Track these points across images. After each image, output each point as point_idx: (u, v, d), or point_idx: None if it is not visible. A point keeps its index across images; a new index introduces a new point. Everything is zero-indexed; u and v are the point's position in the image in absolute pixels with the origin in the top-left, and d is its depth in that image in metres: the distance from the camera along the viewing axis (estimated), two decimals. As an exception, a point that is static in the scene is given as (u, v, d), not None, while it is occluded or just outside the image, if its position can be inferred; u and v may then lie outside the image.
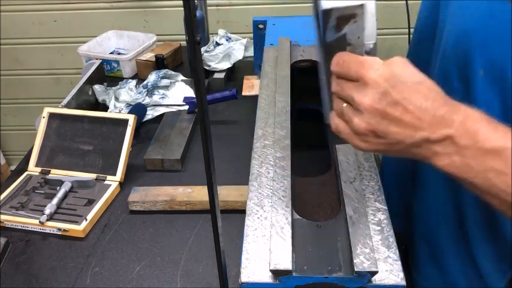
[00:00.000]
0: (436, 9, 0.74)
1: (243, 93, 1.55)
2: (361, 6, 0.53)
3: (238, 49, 1.63)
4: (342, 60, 0.53)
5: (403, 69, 0.51)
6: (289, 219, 0.72)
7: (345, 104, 0.53)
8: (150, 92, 1.45)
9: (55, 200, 1.06)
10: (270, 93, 1.07)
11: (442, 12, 0.71)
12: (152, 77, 1.49)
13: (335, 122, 0.55)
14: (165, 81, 1.50)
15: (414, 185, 0.84)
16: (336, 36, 0.54)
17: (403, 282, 0.64)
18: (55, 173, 1.17)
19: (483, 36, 0.61)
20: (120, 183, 1.14)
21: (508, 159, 0.48)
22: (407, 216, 0.88)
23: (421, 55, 0.78)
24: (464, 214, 0.74)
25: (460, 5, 0.66)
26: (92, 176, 1.14)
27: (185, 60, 1.82)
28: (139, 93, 1.44)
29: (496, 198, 0.50)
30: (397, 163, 0.93)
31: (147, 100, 1.43)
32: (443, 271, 0.79)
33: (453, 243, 0.77)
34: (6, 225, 1.04)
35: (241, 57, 1.63)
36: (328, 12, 0.52)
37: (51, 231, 1.02)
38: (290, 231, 0.70)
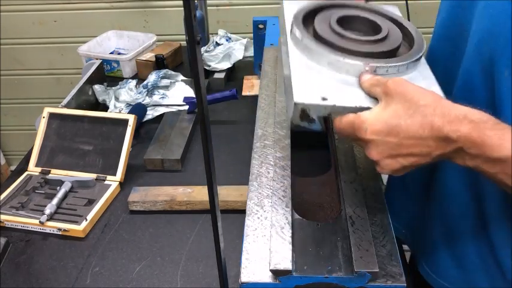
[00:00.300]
0: (458, 8, 0.73)
1: (243, 93, 1.55)
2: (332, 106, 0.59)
3: (238, 49, 1.63)
4: (338, 126, 0.60)
5: (395, 105, 0.56)
6: (289, 219, 0.72)
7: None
8: (150, 92, 1.45)
9: (55, 200, 1.06)
10: (270, 93, 1.07)
11: (467, 12, 0.70)
12: (152, 77, 1.49)
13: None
14: (165, 81, 1.50)
15: (429, 188, 0.84)
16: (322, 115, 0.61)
17: (403, 282, 0.64)
18: (55, 173, 1.17)
19: (508, 36, 0.61)
20: (120, 183, 1.14)
21: None
22: (421, 218, 0.87)
23: (445, 53, 0.77)
24: (484, 207, 0.73)
25: (485, 5, 0.65)
26: (92, 176, 1.14)
27: (185, 60, 1.82)
28: (140, 93, 1.44)
29: (507, 188, 0.56)
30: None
31: (147, 100, 1.43)
32: (465, 270, 0.78)
33: (474, 240, 0.76)
34: (6, 225, 1.04)
35: (241, 57, 1.63)
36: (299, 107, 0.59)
37: (51, 231, 1.02)
38: (290, 231, 0.70)
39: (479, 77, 0.67)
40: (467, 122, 0.53)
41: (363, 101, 0.60)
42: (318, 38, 0.67)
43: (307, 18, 0.73)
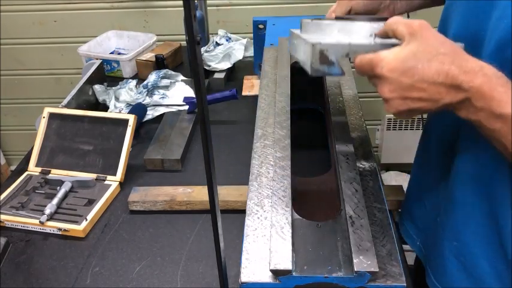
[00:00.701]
0: (472, 19, 0.71)
1: (243, 93, 1.55)
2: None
3: (238, 49, 1.63)
4: (358, 65, 0.61)
5: (416, 47, 0.57)
6: (289, 219, 0.72)
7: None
8: (150, 92, 1.45)
9: (55, 200, 1.06)
10: (270, 93, 1.07)
11: (481, 22, 0.69)
12: (152, 77, 1.49)
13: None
14: (165, 81, 1.50)
15: (442, 198, 0.83)
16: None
17: (403, 282, 0.64)
18: (55, 173, 1.17)
19: None
20: (120, 183, 1.14)
21: None
22: (433, 230, 0.86)
23: None
24: (498, 222, 0.72)
25: (500, 15, 0.64)
26: (92, 176, 1.14)
27: (185, 60, 1.83)
28: (140, 93, 1.44)
29: (504, 148, 0.59)
30: (423, 176, 0.92)
31: (147, 100, 1.43)
32: (477, 284, 0.77)
33: (486, 254, 0.75)
34: (7, 225, 1.04)
35: (241, 57, 1.63)
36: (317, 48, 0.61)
37: (52, 231, 1.02)
38: (290, 231, 0.70)
39: None
40: (482, 74, 0.55)
41: (378, 40, 0.63)
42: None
43: None
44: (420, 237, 0.94)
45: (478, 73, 0.55)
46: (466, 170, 0.75)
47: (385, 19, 0.68)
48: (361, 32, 0.65)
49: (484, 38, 0.68)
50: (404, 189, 1.08)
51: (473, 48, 0.70)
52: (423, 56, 0.56)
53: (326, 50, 0.61)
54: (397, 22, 0.60)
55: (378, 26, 0.65)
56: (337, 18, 0.75)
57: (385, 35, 0.63)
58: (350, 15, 0.87)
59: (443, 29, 0.81)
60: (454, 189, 0.78)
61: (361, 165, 0.87)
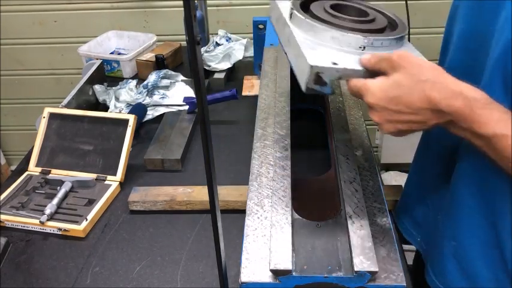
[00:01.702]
0: (478, 20, 0.71)
1: (243, 93, 1.55)
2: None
3: (238, 49, 1.63)
4: (350, 89, 0.67)
5: (398, 77, 0.62)
6: (289, 219, 0.72)
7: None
8: (150, 92, 1.45)
9: (55, 200, 1.06)
10: (270, 93, 1.07)
11: (488, 23, 0.68)
12: (152, 77, 1.49)
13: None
14: (165, 81, 1.50)
15: (442, 198, 0.83)
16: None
17: (403, 282, 0.64)
18: (55, 173, 1.17)
19: None
20: (121, 183, 1.14)
21: (496, 145, 0.59)
22: (434, 228, 0.86)
23: (464, 65, 0.75)
24: (497, 223, 0.72)
25: (508, 16, 0.64)
26: (92, 176, 1.14)
27: (185, 60, 1.83)
28: (140, 93, 1.44)
29: (495, 161, 0.62)
30: (422, 173, 0.92)
31: (147, 100, 1.43)
32: (474, 283, 0.78)
33: (484, 255, 0.75)
34: (7, 225, 1.04)
35: (241, 57, 1.63)
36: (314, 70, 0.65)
37: (52, 231, 1.02)
38: (290, 231, 0.70)
39: (500, 90, 0.65)
40: (462, 98, 0.59)
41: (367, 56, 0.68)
42: (318, 18, 0.74)
43: (303, 7, 0.79)
44: (421, 234, 0.94)
45: (458, 97, 0.59)
46: (467, 172, 0.75)
47: (373, 20, 0.75)
48: (353, 44, 0.69)
49: (491, 39, 0.68)
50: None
51: (481, 48, 0.70)
52: (405, 84, 0.61)
53: (322, 73, 0.65)
54: (376, 62, 0.64)
55: (368, 41, 0.69)
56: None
57: (371, 68, 0.66)
58: None
59: (449, 28, 0.81)
60: (454, 190, 0.78)
61: (361, 165, 0.87)
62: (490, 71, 0.67)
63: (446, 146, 0.81)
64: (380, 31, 0.75)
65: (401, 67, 0.61)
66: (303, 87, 0.67)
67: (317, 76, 0.65)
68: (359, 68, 0.66)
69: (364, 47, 0.70)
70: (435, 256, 0.85)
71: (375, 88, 0.63)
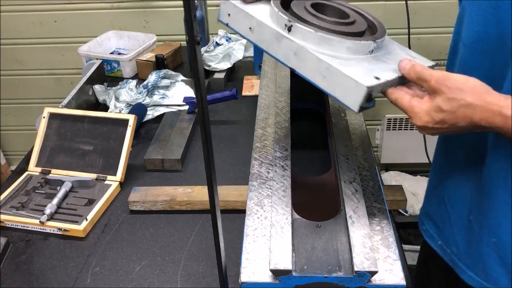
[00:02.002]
0: (495, 20, 0.72)
1: (243, 93, 1.55)
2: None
3: (238, 49, 1.63)
4: (391, 99, 0.70)
5: (441, 102, 0.66)
6: (289, 219, 0.72)
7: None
8: (150, 92, 1.45)
9: (55, 200, 1.06)
10: (270, 93, 1.07)
11: (506, 24, 0.69)
12: (152, 77, 1.49)
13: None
14: (165, 81, 1.50)
15: (471, 199, 0.84)
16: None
17: (403, 282, 0.64)
18: (55, 173, 1.17)
19: None
20: (121, 183, 1.14)
21: None
22: (466, 229, 0.87)
23: (482, 67, 0.75)
24: None
25: None
26: (92, 176, 1.14)
27: (185, 60, 1.83)
28: (140, 93, 1.44)
29: None
30: (444, 176, 0.93)
31: (147, 100, 1.43)
32: None
33: None
34: (7, 225, 1.04)
35: (241, 57, 1.63)
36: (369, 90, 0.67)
37: (52, 231, 1.02)
38: (290, 231, 0.70)
39: None
40: (501, 117, 0.63)
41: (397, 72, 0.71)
42: (322, 28, 0.73)
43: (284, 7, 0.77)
44: (442, 238, 0.94)
45: (498, 116, 0.63)
46: (500, 166, 0.76)
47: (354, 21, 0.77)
48: (364, 50, 0.72)
49: (509, 38, 0.69)
50: (405, 189, 1.08)
51: (500, 49, 0.70)
52: (447, 110, 0.65)
53: (372, 90, 0.67)
54: (420, 79, 0.68)
55: (376, 45, 0.73)
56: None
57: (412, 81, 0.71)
58: None
59: (458, 29, 0.82)
60: (488, 189, 0.79)
61: (361, 165, 0.87)
62: None
63: (470, 148, 0.82)
64: (372, 31, 0.77)
65: (441, 92, 0.65)
66: (356, 109, 0.67)
67: (368, 95, 0.66)
68: (395, 75, 0.69)
69: (372, 51, 0.73)
70: (473, 255, 0.85)
71: (422, 114, 0.67)
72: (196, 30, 0.46)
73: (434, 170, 0.96)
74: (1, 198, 1.09)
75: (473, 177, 0.82)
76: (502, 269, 0.81)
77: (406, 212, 2.17)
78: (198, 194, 1.06)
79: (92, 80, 1.48)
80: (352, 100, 0.67)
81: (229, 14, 0.81)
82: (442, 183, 0.92)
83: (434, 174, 0.96)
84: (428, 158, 1.53)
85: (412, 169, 2.40)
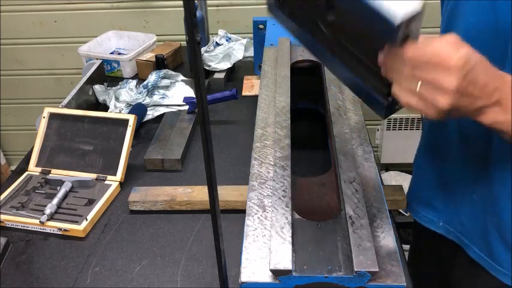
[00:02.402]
0: (490, 11, 0.72)
1: (243, 93, 1.55)
2: (423, 6, 0.57)
3: (238, 49, 1.63)
4: (418, 51, 0.59)
5: (466, 49, 0.59)
6: (289, 219, 0.72)
7: (419, 84, 0.59)
8: (150, 92, 1.45)
9: (55, 200, 1.06)
10: (270, 93, 1.07)
11: (503, 15, 0.70)
12: (152, 77, 1.49)
13: (407, 99, 0.61)
14: (165, 81, 1.50)
15: (474, 180, 0.87)
16: (403, 35, 0.58)
17: (403, 282, 0.64)
18: (55, 173, 1.17)
19: None
20: (121, 183, 1.14)
21: None
22: (470, 208, 0.91)
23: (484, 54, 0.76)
24: None
25: None
26: (92, 176, 1.14)
27: (185, 60, 1.83)
28: (140, 93, 1.44)
29: None
30: (439, 160, 0.96)
31: (147, 100, 1.43)
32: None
33: None
34: (7, 225, 1.04)
35: (241, 57, 1.63)
36: (401, 25, 0.55)
37: (52, 231, 1.02)
38: (290, 231, 0.70)
39: None
40: (508, 80, 0.62)
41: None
42: None
43: None
44: (444, 219, 0.98)
45: (506, 77, 0.62)
46: (504, 147, 0.77)
47: None
48: None
49: (505, 29, 0.69)
50: (405, 189, 1.09)
51: (498, 38, 0.72)
52: (472, 57, 0.59)
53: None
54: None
55: None
56: None
57: None
58: None
59: (449, 23, 0.82)
60: (492, 171, 0.82)
61: (361, 165, 0.87)
62: None
63: (472, 135, 0.84)
64: None
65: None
66: (400, 18, 0.55)
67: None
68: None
69: None
70: (477, 233, 0.90)
71: (455, 50, 0.59)
72: (196, 30, 0.46)
73: (424, 156, 0.99)
74: (1, 198, 1.09)
75: (475, 162, 0.85)
76: (502, 247, 0.85)
77: (406, 212, 2.17)
78: (198, 194, 1.06)
79: (92, 80, 1.48)
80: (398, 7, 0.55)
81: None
82: (440, 170, 0.94)
83: (430, 160, 0.99)
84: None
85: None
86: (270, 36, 1.35)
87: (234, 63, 1.64)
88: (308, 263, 0.66)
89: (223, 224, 0.62)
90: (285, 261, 0.64)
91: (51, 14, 2.20)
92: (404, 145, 2.32)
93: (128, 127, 1.17)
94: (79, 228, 1.00)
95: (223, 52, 1.62)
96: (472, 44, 0.77)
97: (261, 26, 1.47)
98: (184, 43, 1.81)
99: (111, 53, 1.84)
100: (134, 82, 1.51)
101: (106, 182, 1.14)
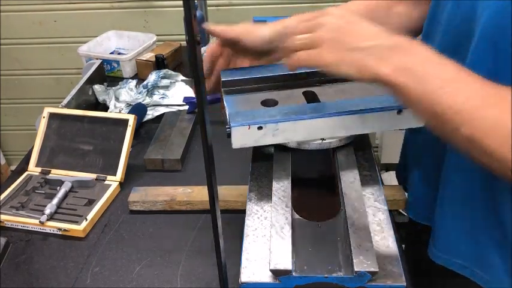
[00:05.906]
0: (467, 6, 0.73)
1: (243, 93, 1.55)
2: None
3: (238, 49, 1.62)
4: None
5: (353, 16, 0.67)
6: (289, 219, 0.72)
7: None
8: (150, 92, 1.45)
9: (55, 200, 1.06)
10: (270, 93, 1.06)
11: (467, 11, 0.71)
12: (152, 77, 1.49)
13: (294, 58, 0.67)
14: (165, 81, 1.50)
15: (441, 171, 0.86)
16: None
17: (403, 282, 0.64)
18: (55, 173, 1.17)
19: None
20: (120, 183, 1.14)
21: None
22: (433, 199, 0.90)
23: (454, 41, 0.76)
24: (493, 184, 0.75)
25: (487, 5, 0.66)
26: (92, 176, 1.14)
27: (185, 60, 1.82)
28: (140, 93, 1.44)
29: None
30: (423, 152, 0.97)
31: (147, 100, 1.43)
32: (476, 245, 0.81)
33: (484, 215, 0.79)
34: (7, 225, 1.04)
35: (241, 57, 1.63)
36: None
37: (52, 231, 1.02)
38: (290, 231, 0.70)
39: (489, 58, 0.67)
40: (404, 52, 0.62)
41: None
42: None
43: None
44: (420, 207, 0.99)
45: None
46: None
47: None
48: None
49: (476, 11, 0.70)
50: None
51: (466, 23, 0.72)
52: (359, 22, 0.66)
53: None
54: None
55: None
56: None
57: None
58: None
59: (433, 12, 0.83)
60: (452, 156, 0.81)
61: (361, 165, 0.87)
62: (476, 40, 0.69)
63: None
64: None
65: None
66: None
67: None
68: None
69: None
70: (437, 226, 0.88)
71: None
72: (196, 30, 0.45)
73: (427, 154, 0.98)
74: (1, 198, 1.08)
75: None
76: (463, 236, 0.83)
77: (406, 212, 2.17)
78: (198, 194, 1.06)
79: (92, 80, 1.48)
80: None
81: None
82: (440, 167, 0.94)
83: (431, 158, 0.98)
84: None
85: (412, 169, 2.40)
86: (270, 36, 1.35)
87: (234, 63, 1.64)
88: (308, 263, 0.67)
89: (223, 224, 0.62)
90: (285, 261, 0.64)
91: (51, 14, 2.20)
92: (404, 145, 2.31)
93: (128, 127, 1.17)
94: (79, 228, 1.00)
95: (223, 52, 1.62)
96: (448, 31, 0.78)
97: (261, 26, 1.47)
98: (184, 43, 1.81)
99: (111, 53, 1.84)
100: (134, 82, 1.51)
101: (106, 182, 1.13)
